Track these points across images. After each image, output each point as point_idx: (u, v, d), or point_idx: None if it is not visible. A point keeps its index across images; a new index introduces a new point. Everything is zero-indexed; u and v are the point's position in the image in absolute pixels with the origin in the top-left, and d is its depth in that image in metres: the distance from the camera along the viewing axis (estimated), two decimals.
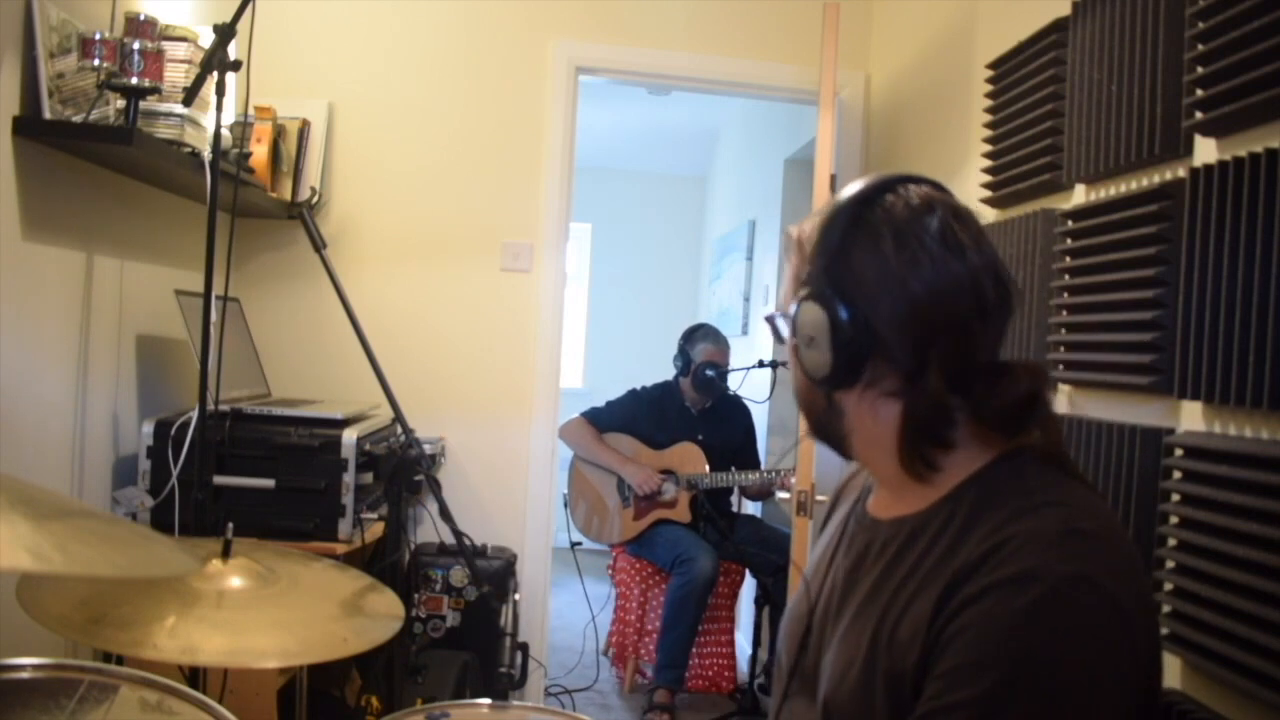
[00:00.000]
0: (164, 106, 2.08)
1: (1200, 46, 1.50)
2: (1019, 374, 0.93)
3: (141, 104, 1.95)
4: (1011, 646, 0.80)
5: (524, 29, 3.16)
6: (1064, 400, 1.87)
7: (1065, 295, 1.82)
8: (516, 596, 2.93)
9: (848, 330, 0.93)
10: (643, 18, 3.21)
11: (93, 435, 2.16)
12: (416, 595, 2.76)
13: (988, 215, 2.22)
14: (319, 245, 2.25)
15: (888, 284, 0.92)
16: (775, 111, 4.65)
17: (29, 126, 1.82)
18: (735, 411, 3.85)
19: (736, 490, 3.90)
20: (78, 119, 1.90)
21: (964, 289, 0.92)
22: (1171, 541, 1.50)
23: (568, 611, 4.26)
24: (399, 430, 2.18)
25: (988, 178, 2.22)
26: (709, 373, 3.66)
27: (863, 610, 0.95)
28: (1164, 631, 1.46)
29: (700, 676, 3.66)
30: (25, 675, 1.13)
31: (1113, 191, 1.78)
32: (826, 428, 1.03)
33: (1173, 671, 1.50)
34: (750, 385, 3.82)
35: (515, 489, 3.19)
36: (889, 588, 0.93)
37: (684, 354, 3.75)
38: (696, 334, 3.78)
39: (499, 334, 3.18)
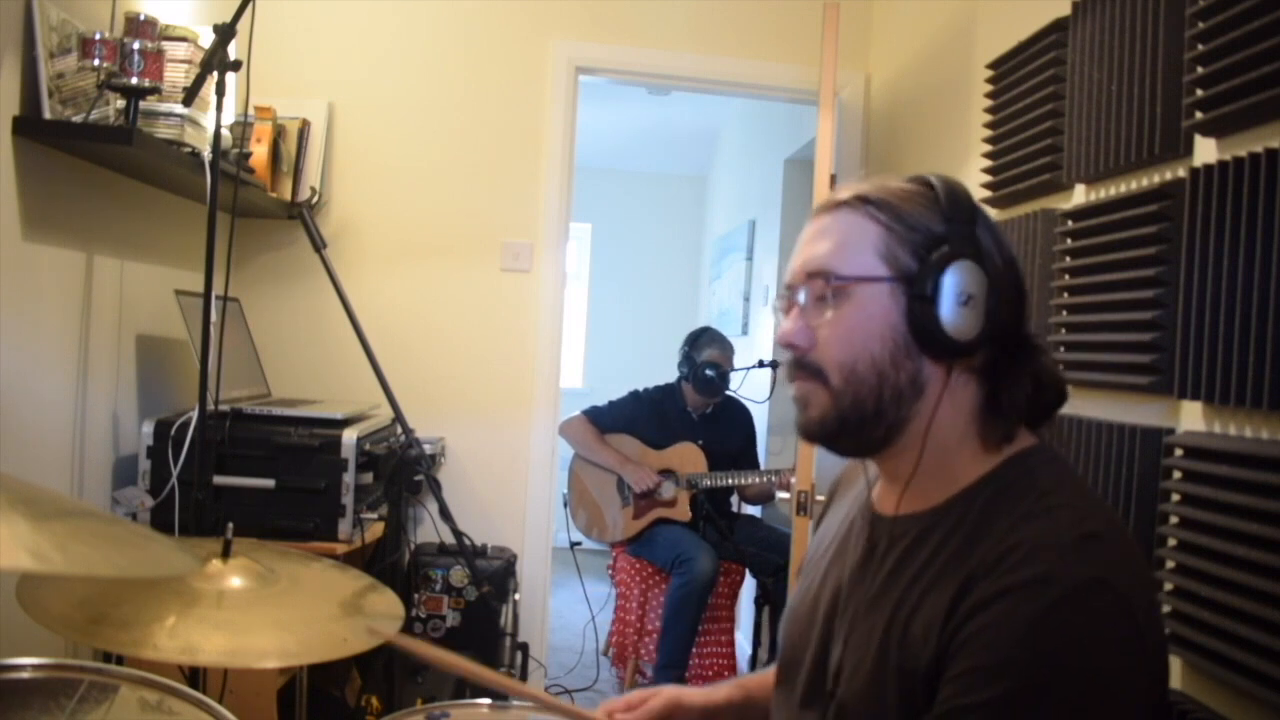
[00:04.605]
0: (164, 106, 2.08)
1: (1200, 46, 1.50)
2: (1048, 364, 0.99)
3: (141, 104, 1.95)
4: (1028, 651, 0.80)
5: (524, 29, 3.16)
6: None
7: (1065, 295, 1.82)
8: (516, 596, 2.93)
9: (1000, 293, 0.94)
10: (643, 18, 3.21)
11: (93, 435, 2.16)
12: (416, 595, 2.76)
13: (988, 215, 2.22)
14: (319, 245, 2.26)
15: (1004, 252, 0.97)
16: (775, 111, 4.65)
17: (29, 126, 1.82)
18: (736, 417, 3.84)
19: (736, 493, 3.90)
20: (78, 119, 1.89)
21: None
22: (1171, 541, 1.50)
23: (568, 611, 4.26)
24: (399, 430, 2.19)
25: (988, 178, 2.22)
26: (709, 372, 3.64)
27: (873, 607, 0.95)
28: (1165, 632, 1.46)
29: (700, 676, 3.65)
30: (25, 675, 1.13)
31: (1113, 191, 1.78)
32: (882, 413, 0.94)
33: (1173, 671, 1.49)
34: (750, 385, 3.81)
35: (515, 489, 3.19)
36: (900, 585, 0.93)
37: (688, 359, 3.72)
38: (701, 339, 3.75)
39: (499, 334, 3.18)
